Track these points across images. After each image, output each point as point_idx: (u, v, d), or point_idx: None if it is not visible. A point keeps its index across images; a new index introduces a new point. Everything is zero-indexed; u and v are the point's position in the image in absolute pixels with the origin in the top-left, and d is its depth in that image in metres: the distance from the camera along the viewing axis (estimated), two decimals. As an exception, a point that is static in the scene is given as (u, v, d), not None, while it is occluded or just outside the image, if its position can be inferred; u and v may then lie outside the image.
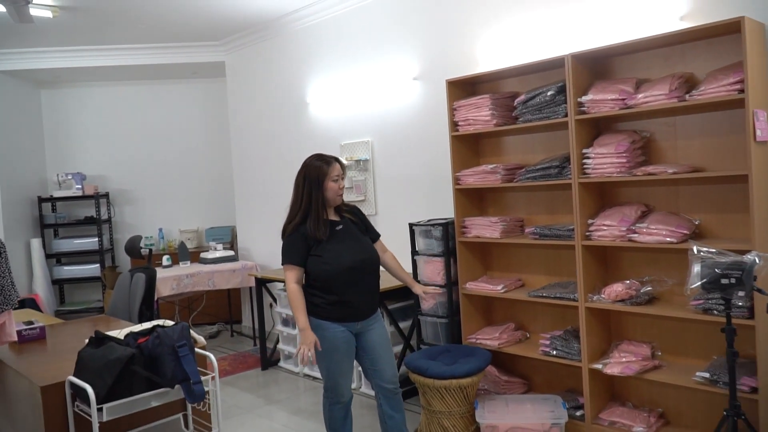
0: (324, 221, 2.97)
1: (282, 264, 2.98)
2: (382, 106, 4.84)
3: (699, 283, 2.46)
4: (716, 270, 2.41)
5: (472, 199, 4.06)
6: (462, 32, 4.21)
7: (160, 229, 7.26)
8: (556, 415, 3.33)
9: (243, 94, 6.35)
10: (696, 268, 2.47)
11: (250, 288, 6.02)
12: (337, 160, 3.09)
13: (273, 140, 5.98)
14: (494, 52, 4.02)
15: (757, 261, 2.36)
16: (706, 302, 2.94)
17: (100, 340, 2.51)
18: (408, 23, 4.57)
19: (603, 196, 3.51)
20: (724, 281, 2.40)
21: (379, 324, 3.13)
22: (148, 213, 7.39)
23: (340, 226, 3.05)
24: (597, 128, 3.47)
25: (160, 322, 2.83)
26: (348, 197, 5.09)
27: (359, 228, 3.16)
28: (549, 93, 3.39)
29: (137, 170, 7.36)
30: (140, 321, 3.96)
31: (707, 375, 2.95)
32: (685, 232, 3.04)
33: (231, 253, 6.19)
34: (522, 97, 3.55)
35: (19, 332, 3.25)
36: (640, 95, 3.09)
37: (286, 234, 3.00)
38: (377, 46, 4.82)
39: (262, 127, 6.11)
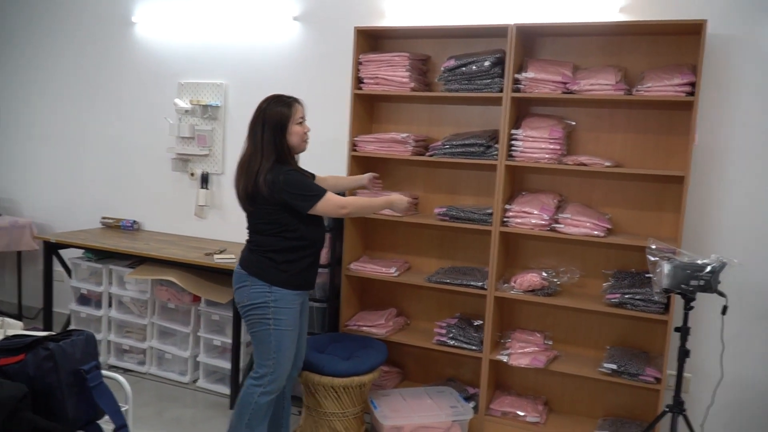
0: (303, 171, 2.70)
1: (317, 200, 2.57)
2: (245, 44, 4.05)
3: (668, 282, 2.42)
4: (688, 271, 2.39)
5: (362, 170, 3.60)
6: (364, -23, 3.68)
7: None
8: (459, 411, 3.10)
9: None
10: (666, 268, 2.42)
11: (19, 253, 4.69)
12: (297, 100, 2.65)
13: (75, 69, 4.65)
14: (404, 6, 3.58)
15: (725, 264, 2.39)
16: (622, 297, 2.97)
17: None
18: (292, -48, 3.87)
19: (516, 181, 3.37)
20: (693, 282, 2.39)
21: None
22: None
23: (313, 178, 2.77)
24: (520, 110, 3.29)
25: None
26: (188, 149, 4.19)
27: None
28: (486, 63, 3.10)
29: None
30: None
31: (614, 366, 2.99)
32: (606, 225, 3.04)
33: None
34: (450, 63, 3.20)
35: None
36: (583, 81, 2.97)
37: (289, 173, 2.55)
38: (246, -28, 4.00)
39: (57, 49, 4.71)
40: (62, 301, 4.35)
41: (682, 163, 2.99)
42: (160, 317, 3.92)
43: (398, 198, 2.87)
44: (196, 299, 3.78)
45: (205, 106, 4.14)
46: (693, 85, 2.81)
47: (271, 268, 2.59)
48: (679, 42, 3.01)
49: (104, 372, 1.76)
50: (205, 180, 4.12)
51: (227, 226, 4.18)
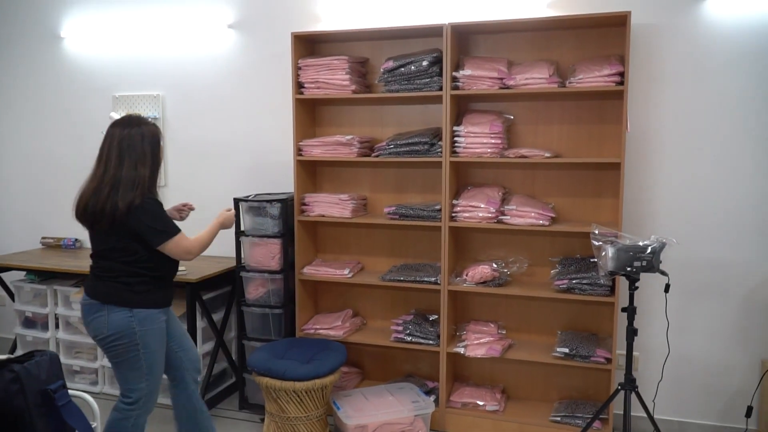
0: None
1: (168, 238, 2.45)
2: (180, 54, 3.98)
3: (612, 265, 2.53)
4: (631, 253, 2.50)
5: (308, 174, 3.61)
6: (298, -19, 3.68)
7: None
8: (421, 405, 3.15)
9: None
10: (610, 251, 2.53)
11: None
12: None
13: (2, 87, 4.48)
14: (339, 10, 3.59)
15: (665, 244, 2.51)
16: (570, 282, 3.09)
17: None
18: (223, -41, 3.83)
19: (460, 176, 3.43)
20: (636, 264, 2.50)
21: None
22: None
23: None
24: (460, 106, 3.36)
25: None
26: (128, 163, 4.09)
27: None
28: (424, 63, 3.15)
29: None
30: None
31: (567, 350, 3.10)
32: (550, 214, 3.14)
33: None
34: (389, 64, 3.24)
35: None
36: (519, 76, 3.06)
37: (148, 203, 2.42)
38: (177, -20, 3.93)
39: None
40: (5, 325, 4.19)
41: (617, 151, 3.13)
42: (111, 337, 3.81)
43: (225, 216, 2.79)
44: (147, 316, 3.70)
45: (143, 119, 4.04)
46: (622, 74, 2.93)
47: (125, 292, 2.44)
48: (606, 34, 3.13)
49: (70, 391, 1.72)
50: (148, 194, 4.02)
51: (174, 239, 4.11)
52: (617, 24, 3.04)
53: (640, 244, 2.52)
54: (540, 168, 3.33)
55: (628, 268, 2.51)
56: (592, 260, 3.20)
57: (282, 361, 3.08)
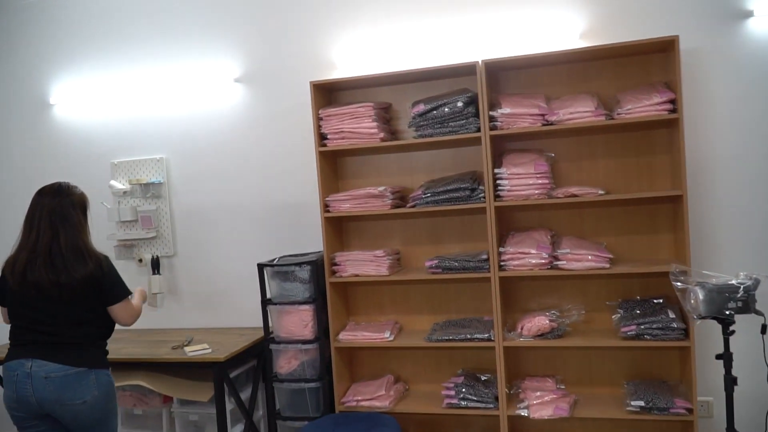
0: None
1: (122, 299, 2.52)
2: (183, 114, 3.73)
3: (705, 309, 2.28)
4: (726, 294, 2.26)
5: (335, 231, 3.34)
6: (308, 30, 3.48)
7: None
8: (488, 479, 2.83)
9: None
10: (701, 294, 2.29)
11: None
12: None
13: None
14: (354, 55, 3.40)
15: (759, 281, 2.29)
16: (638, 328, 2.83)
17: None
18: (222, 10, 3.62)
19: (502, 221, 3.20)
20: (731, 305, 2.26)
21: None
22: None
23: None
24: (495, 147, 3.15)
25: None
26: (132, 232, 3.79)
27: None
28: (459, 104, 2.94)
29: None
30: None
31: (642, 403, 2.82)
32: (608, 255, 2.90)
33: None
34: (420, 108, 3.03)
35: None
36: (562, 111, 2.87)
37: (106, 265, 2.48)
38: (174, 35, 3.70)
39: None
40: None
41: (668, 182, 2.94)
42: (126, 427, 3.43)
43: (142, 290, 2.86)
44: (167, 400, 3.34)
45: (146, 185, 3.76)
46: (673, 102, 2.76)
47: (104, 354, 2.53)
48: (646, 61, 2.98)
49: None
50: (156, 265, 3.70)
51: (185, 313, 3.79)
52: (659, 50, 2.89)
53: (734, 283, 2.29)
54: (588, 206, 3.10)
55: (725, 311, 2.27)
56: (655, 301, 2.96)
57: (331, 444, 2.75)
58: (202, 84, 3.64)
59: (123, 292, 2.51)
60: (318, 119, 3.17)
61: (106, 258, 2.50)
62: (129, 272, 3.78)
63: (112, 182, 3.80)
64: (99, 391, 2.42)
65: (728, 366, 2.36)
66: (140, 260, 3.77)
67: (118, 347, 3.36)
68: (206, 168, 3.72)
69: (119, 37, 3.80)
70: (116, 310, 2.49)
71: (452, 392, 3.08)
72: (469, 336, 3.04)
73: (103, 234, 3.82)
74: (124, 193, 3.80)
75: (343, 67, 3.41)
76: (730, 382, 2.36)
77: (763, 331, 2.37)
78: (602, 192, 2.87)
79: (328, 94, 3.37)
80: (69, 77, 3.92)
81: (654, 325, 2.81)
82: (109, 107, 3.85)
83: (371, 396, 3.17)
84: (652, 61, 2.96)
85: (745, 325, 2.44)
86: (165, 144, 3.78)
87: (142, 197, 3.79)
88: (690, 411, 2.77)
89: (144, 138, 3.81)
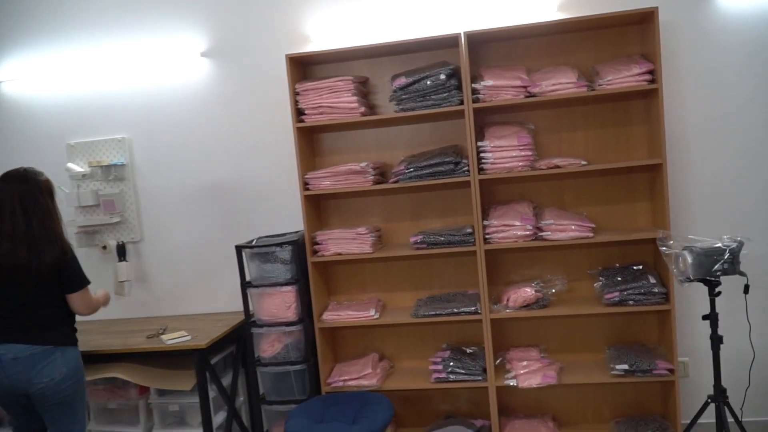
0: None
1: (82, 287, 2.59)
2: (146, 91, 3.54)
3: (694, 272, 2.35)
4: (714, 257, 2.34)
5: (313, 209, 3.26)
6: (278, 1, 3.35)
7: None
8: (481, 451, 2.86)
9: None
10: (689, 258, 2.35)
11: None
12: None
13: None
14: (329, 28, 3.30)
15: (742, 243, 2.37)
16: (621, 294, 2.90)
17: None
18: (188, -18, 3.44)
19: (484, 194, 3.18)
20: (718, 267, 2.34)
21: None
22: None
23: None
24: (476, 120, 3.13)
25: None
26: (94, 218, 3.59)
27: None
28: (441, 76, 2.90)
29: None
30: None
31: (626, 366, 2.90)
32: (590, 225, 2.95)
33: None
34: (401, 81, 2.97)
35: None
36: (544, 83, 2.88)
37: (69, 252, 2.55)
38: (134, 6, 3.49)
39: None
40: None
41: (647, 152, 3.01)
42: (99, 422, 3.28)
43: (106, 293, 2.90)
44: (143, 391, 3.21)
45: (108, 167, 3.56)
46: (651, 72, 2.81)
47: (72, 332, 2.60)
48: (623, 33, 3.02)
49: None
50: (121, 251, 3.51)
51: (154, 300, 3.64)
52: (637, 22, 2.93)
53: (720, 246, 2.36)
54: (568, 177, 3.14)
55: (713, 273, 2.34)
56: (635, 268, 3.04)
57: (325, 425, 2.71)
58: (166, 58, 3.46)
59: (81, 282, 2.56)
60: (295, 94, 3.07)
61: (70, 247, 2.56)
62: (92, 260, 3.60)
63: (70, 165, 3.58)
64: (67, 368, 2.48)
65: (714, 326, 2.45)
66: (104, 247, 3.58)
67: (87, 339, 3.20)
68: (172, 147, 3.55)
69: (74, 9, 3.56)
70: (74, 298, 2.55)
71: (440, 366, 3.09)
72: (455, 310, 3.04)
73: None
74: (84, 176, 3.59)
75: (317, 41, 3.31)
76: (717, 340, 2.44)
77: (745, 291, 2.46)
78: (584, 162, 2.91)
79: (303, 68, 3.26)
80: (19, 53, 3.64)
81: (636, 291, 2.88)
82: (64, 85, 3.61)
83: (358, 375, 3.14)
84: (630, 33, 3.01)
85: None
86: (126, 123, 3.58)
87: (103, 180, 3.59)
88: (671, 371, 2.87)
89: (103, 117, 3.60)
